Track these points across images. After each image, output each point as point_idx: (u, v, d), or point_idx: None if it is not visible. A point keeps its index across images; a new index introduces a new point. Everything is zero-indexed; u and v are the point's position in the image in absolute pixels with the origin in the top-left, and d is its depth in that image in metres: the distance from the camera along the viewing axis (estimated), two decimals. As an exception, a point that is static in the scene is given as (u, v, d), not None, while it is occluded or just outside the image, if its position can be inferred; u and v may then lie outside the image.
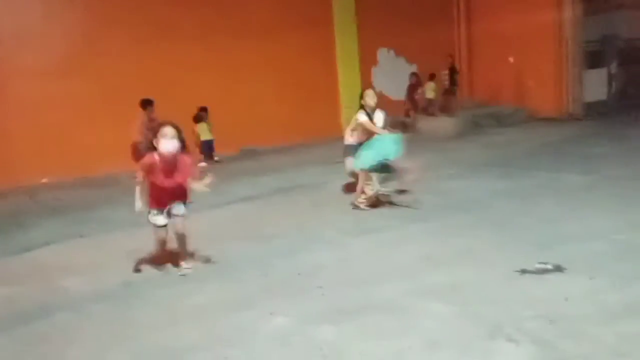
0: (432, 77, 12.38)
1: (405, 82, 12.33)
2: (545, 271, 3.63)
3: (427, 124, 11.62)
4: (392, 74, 12.70)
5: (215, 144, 10.16)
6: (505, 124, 11.62)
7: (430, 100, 12.34)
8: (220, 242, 4.89)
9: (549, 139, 9.60)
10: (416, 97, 12.19)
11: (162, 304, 3.65)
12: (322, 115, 11.60)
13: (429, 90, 12.32)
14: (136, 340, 3.13)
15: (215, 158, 10.04)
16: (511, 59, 12.86)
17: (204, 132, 10.06)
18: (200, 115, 10.04)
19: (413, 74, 12.34)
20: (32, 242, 5.30)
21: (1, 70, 8.55)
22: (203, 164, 9.51)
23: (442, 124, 11.44)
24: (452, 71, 12.53)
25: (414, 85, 12.13)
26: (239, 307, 3.47)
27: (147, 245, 4.95)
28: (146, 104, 8.82)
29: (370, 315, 3.18)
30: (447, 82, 12.53)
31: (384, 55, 12.87)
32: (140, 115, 8.74)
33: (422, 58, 12.96)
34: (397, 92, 12.59)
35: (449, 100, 12.51)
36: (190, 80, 9.82)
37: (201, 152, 10.04)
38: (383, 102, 6.22)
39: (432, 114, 12.18)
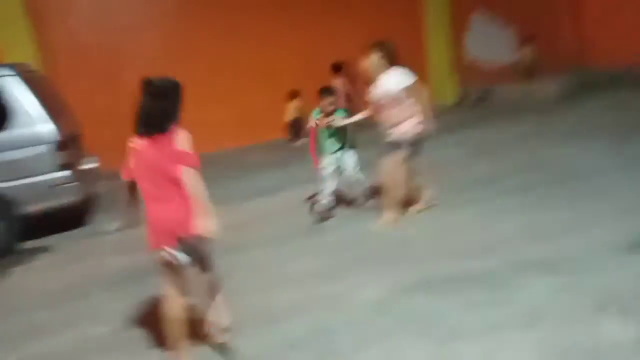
0: (529, 39, 11.58)
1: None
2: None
3: (523, 88, 10.92)
4: (489, 39, 12.07)
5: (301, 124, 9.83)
6: (619, 85, 10.50)
7: (528, 65, 11.55)
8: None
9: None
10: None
11: (265, 269, 3.88)
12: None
13: (527, 55, 11.53)
14: (241, 300, 3.35)
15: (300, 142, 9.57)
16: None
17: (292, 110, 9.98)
18: (294, 93, 9.92)
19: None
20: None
21: (114, 58, 9.37)
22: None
23: (544, 88, 10.68)
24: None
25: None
26: (334, 276, 3.59)
27: (247, 219, 5.26)
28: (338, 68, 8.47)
29: (469, 286, 3.13)
30: None
31: (478, 20, 12.19)
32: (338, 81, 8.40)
33: (522, 17, 12.13)
34: (495, 57, 12.07)
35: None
36: (277, 58, 10.07)
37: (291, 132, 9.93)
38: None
39: (531, 77, 11.38)
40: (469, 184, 5.45)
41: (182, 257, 2.52)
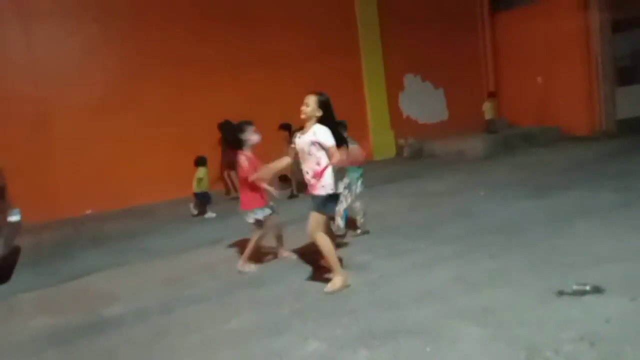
0: (491, 95, 12.50)
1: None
2: (583, 292, 3.56)
3: (456, 145, 11.59)
4: (419, 99, 12.93)
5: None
6: (536, 143, 11.47)
7: (490, 120, 12.28)
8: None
9: (582, 158, 9.42)
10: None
11: (198, 329, 3.74)
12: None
13: (488, 110, 12.30)
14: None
15: (208, 214, 7.97)
16: (540, 79, 12.79)
17: (201, 182, 8.11)
18: (201, 160, 8.25)
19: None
20: (75, 272, 5.52)
21: (46, 108, 9.06)
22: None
23: (471, 145, 11.40)
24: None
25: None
26: (273, 331, 3.53)
27: (184, 272, 5.09)
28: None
29: (404, 339, 3.18)
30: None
31: (410, 80, 13.03)
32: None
33: (449, 81, 13.10)
34: (424, 116, 12.90)
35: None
36: (222, 112, 10.10)
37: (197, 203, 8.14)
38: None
39: (493, 132, 12.08)
40: (405, 233, 5.63)
41: (260, 215, 4.88)
